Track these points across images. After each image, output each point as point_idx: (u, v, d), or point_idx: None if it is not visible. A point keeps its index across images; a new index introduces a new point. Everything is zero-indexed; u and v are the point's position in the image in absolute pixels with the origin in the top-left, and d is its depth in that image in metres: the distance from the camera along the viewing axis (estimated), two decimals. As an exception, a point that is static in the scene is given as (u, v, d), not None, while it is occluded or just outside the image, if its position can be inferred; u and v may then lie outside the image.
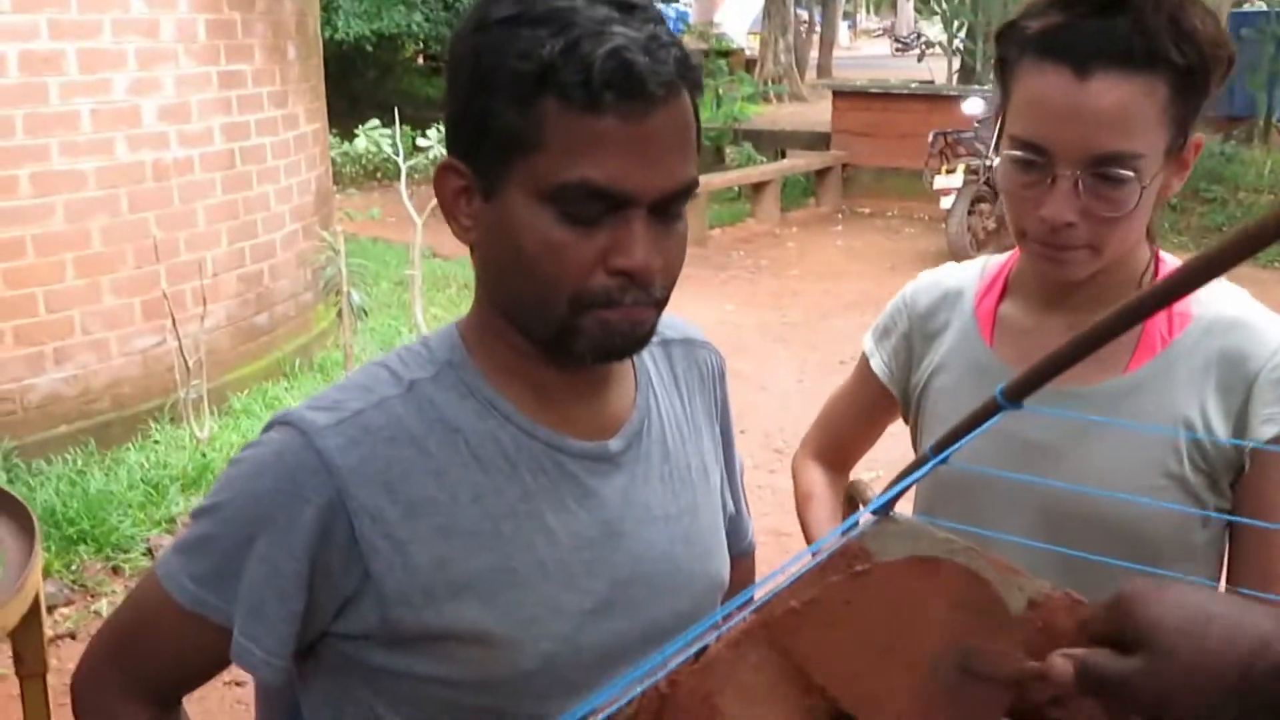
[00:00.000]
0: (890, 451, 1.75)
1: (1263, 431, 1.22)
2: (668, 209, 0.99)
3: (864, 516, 0.83)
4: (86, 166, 4.61)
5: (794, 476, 1.64)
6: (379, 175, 11.75)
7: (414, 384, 1.07)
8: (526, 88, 0.94)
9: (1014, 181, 1.25)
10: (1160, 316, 1.28)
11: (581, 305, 0.99)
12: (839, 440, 1.63)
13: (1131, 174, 1.19)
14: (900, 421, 1.55)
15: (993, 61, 1.32)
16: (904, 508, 0.85)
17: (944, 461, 0.76)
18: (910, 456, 0.89)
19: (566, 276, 0.97)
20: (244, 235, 5.42)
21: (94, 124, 4.62)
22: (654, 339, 1.05)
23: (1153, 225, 1.31)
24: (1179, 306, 1.28)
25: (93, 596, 3.87)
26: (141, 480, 4.46)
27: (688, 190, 1.00)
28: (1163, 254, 1.34)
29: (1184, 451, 1.26)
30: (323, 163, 6.37)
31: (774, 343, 7.06)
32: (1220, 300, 1.29)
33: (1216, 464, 1.26)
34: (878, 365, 1.52)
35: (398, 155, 5.89)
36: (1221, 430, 1.25)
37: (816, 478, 1.60)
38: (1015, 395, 0.70)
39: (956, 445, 0.76)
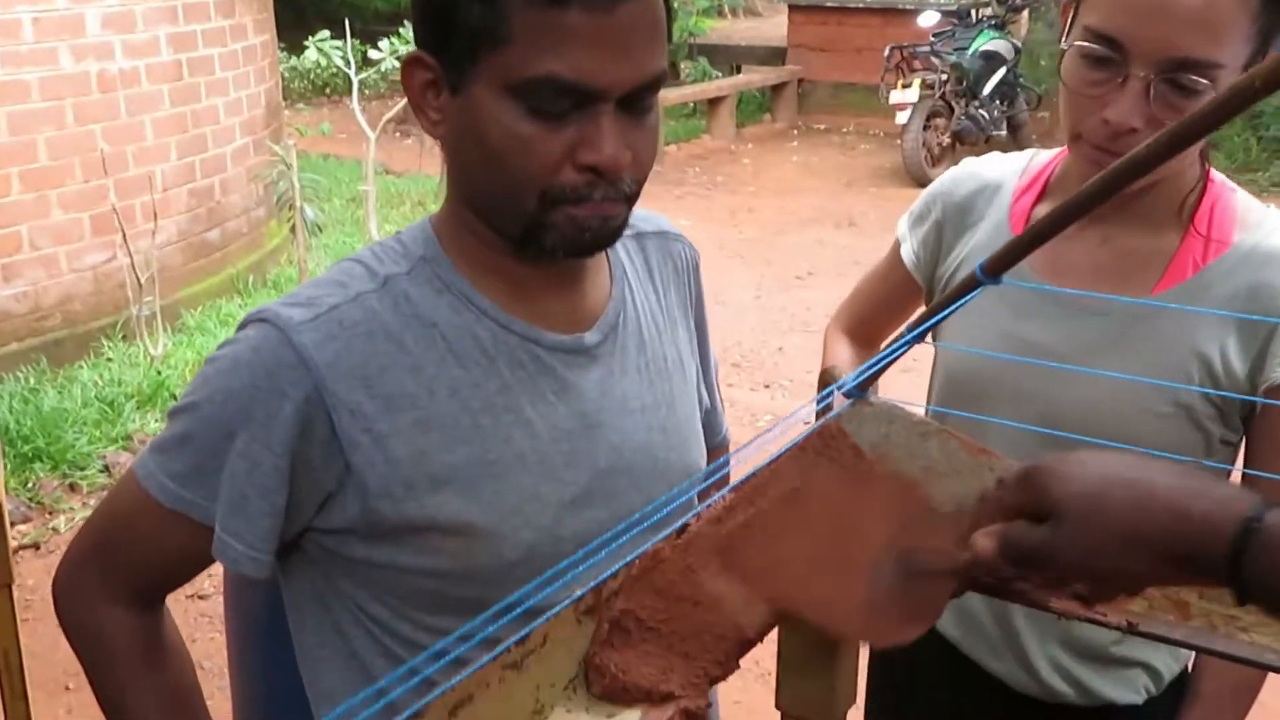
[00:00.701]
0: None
1: (1278, 373, 1.19)
2: (637, 102, 0.98)
3: (837, 396, 0.85)
4: (30, 77, 4.49)
5: (824, 344, 1.62)
6: (328, 90, 11.51)
7: (389, 279, 1.07)
8: None
9: (1080, 78, 1.17)
10: (1196, 241, 1.25)
11: (550, 201, 0.98)
12: (865, 320, 1.60)
13: (1208, 84, 1.11)
14: None
15: None
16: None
17: (920, 339, 0.78)
18: (929, 347, 0.89)
19: (535, 171, 0.97)
20: (193, 149, 5.32)
21: (36, 33, 4.49)
22: (628, 232, 1.06)
23: (1206, 144, 1.22)
24: (1218, 233, 1.24)
25: (50, 514, 3.86)
26: (96, 398, 4.43)
27: (657, 82, 0.99)
28: (1214, 173, 1.27)
29: (1195, 380, 1.22)
30: (272, 76, 6.24)
31: (730, 258, 7.06)
32: (1263, 230, 1.24)
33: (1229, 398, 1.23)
34: (906, 253, 1.48)
35: (349, 68, 5.78)
36: (1239, 365, 1.22)
37: (843, 350, 1.58)
38: (994, 271, 0.72)
39: (931, 322, 0.78)
